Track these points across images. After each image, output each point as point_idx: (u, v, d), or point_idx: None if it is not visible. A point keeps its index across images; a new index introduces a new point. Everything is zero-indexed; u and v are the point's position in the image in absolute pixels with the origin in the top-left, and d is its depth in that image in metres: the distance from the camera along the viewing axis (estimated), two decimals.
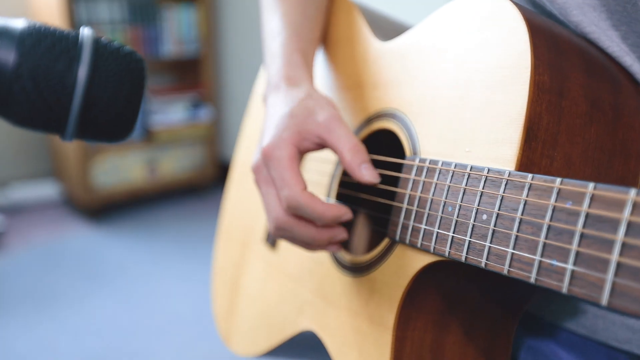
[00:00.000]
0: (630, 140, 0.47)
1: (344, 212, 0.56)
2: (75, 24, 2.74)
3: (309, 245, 0.58)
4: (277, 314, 0.74)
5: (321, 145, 0.58)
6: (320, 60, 0.74)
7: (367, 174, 0.54)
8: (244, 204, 0.88)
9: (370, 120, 0.63)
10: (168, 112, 3.14)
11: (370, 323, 0.56)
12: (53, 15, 2.72)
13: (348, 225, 0.66)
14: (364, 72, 0.65)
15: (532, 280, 0.38)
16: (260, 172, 0.58)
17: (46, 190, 3.15)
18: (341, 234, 0.57)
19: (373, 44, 0.65)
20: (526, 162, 0.43)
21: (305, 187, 0.55)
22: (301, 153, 0.58)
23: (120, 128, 0.34)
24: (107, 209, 2.98)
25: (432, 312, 0.53)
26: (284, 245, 0.75)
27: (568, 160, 0.45)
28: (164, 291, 2.29)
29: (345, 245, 0.67)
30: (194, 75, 3.22)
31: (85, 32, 0.30)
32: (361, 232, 0.72)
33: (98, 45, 0.31)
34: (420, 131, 0.54)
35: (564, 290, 0.36)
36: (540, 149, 0.44)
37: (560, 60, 0.45)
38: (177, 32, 3.08)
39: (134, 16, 2.97)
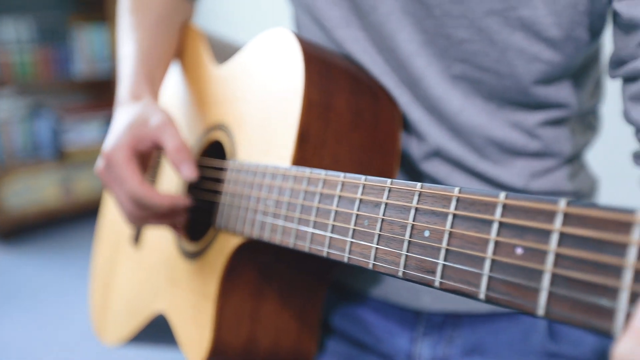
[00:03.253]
0: (387, 142, 0.61)
1: (178, 201, 0.66)
2: None
3: (158, 225, 0.70)
4: (137, 302, 0.84)
5: (156, 146, 0.68)
6: (176, 82, 0.86)
7: (185, 171, 0.64)
8: (115, 210, 0.98)
9: (208, 131, 0.75)
10: (82, 131, 3.14)
11: (201, 297, 0.67)
12: None
13: (199, 219, 0.77)
14: (204, 92, 0.78)
15: (307, 249, 0.50)
16: (105, 174, 0.68)
17: None
18: (180, 216, 0.69)
19: (211, 68, 0.78)
20: (300, 160, 0.57)
21: (142, 181, 0.65)
22: (139, 154, 0.68)
23: None
24: (19, 231, 2.92)
25: (249, 284, 0.65)
26: (146, 243, 0.85)
27: (336, 159, 0.58)
28: (77, 309, 2.29)
29: (199, 236, 0.78)
30: (108, 93, 3.23)
31: None
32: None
33: None
34: (238, 139, 0.67)
35: (324, 254, 0.48)
36: (311, 149, 0.57)
37: (329, 82, 0.59)
38: (88, 51, 3.09)
39: (42, 36, 2.97)
